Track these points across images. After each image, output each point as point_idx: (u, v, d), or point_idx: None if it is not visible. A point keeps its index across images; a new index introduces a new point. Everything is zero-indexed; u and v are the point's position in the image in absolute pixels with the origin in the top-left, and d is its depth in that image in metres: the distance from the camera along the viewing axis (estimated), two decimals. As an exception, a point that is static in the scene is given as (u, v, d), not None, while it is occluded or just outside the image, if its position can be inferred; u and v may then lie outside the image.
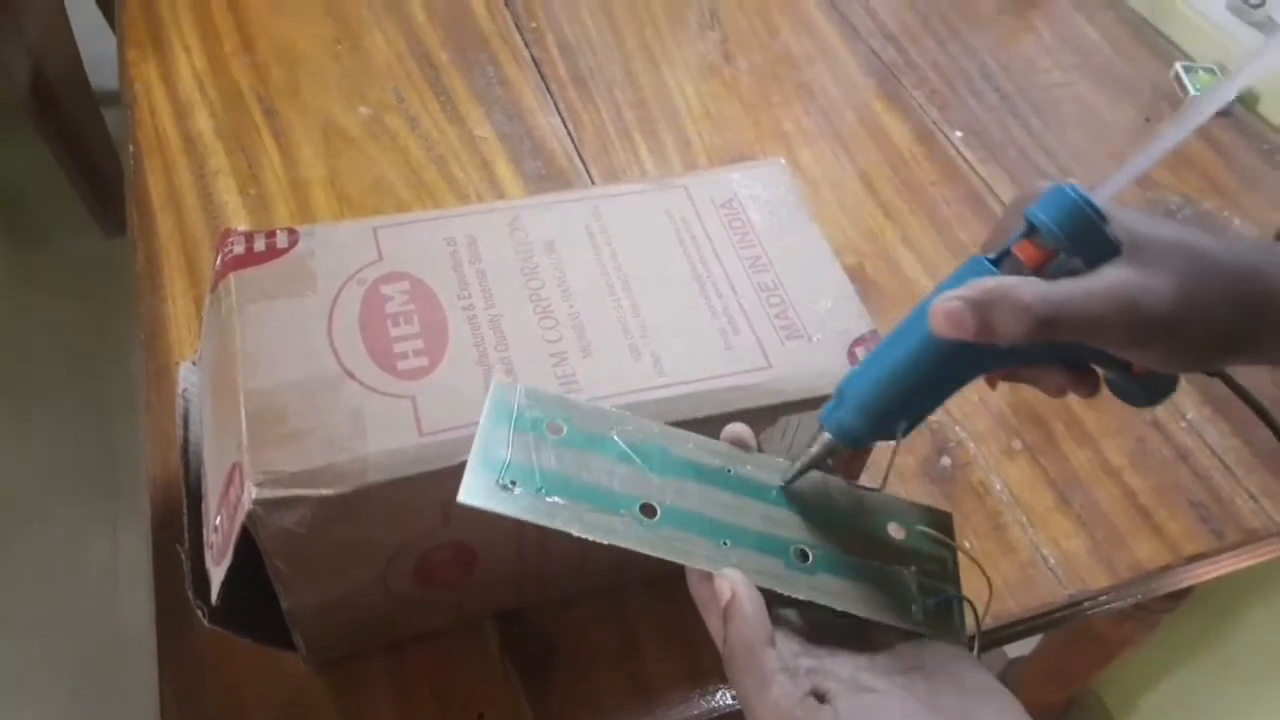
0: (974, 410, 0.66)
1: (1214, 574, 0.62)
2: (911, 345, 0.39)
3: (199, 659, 0.51)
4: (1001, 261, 0.39)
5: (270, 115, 0.78)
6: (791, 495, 0.42)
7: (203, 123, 0.77)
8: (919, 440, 0.64)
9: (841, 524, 0.42)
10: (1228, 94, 0.40)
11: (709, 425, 0.46)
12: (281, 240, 0.48)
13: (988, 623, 0.56)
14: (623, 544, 0.37)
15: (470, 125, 0.79)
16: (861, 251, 0.76)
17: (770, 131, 0.84)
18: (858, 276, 0.74)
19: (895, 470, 0.62)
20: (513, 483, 0.38)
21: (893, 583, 0.41)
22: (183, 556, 0.46)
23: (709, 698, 0.52)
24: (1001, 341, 0.36)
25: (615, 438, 0.41)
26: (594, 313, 0.48)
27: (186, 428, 0.51)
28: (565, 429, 0.40)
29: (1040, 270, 0.38)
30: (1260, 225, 0.82)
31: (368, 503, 0.42)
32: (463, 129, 0.79)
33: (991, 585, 0.42)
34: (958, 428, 0.65)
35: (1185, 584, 0.62)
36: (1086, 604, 0.59)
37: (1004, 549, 0.59)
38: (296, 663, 0.50)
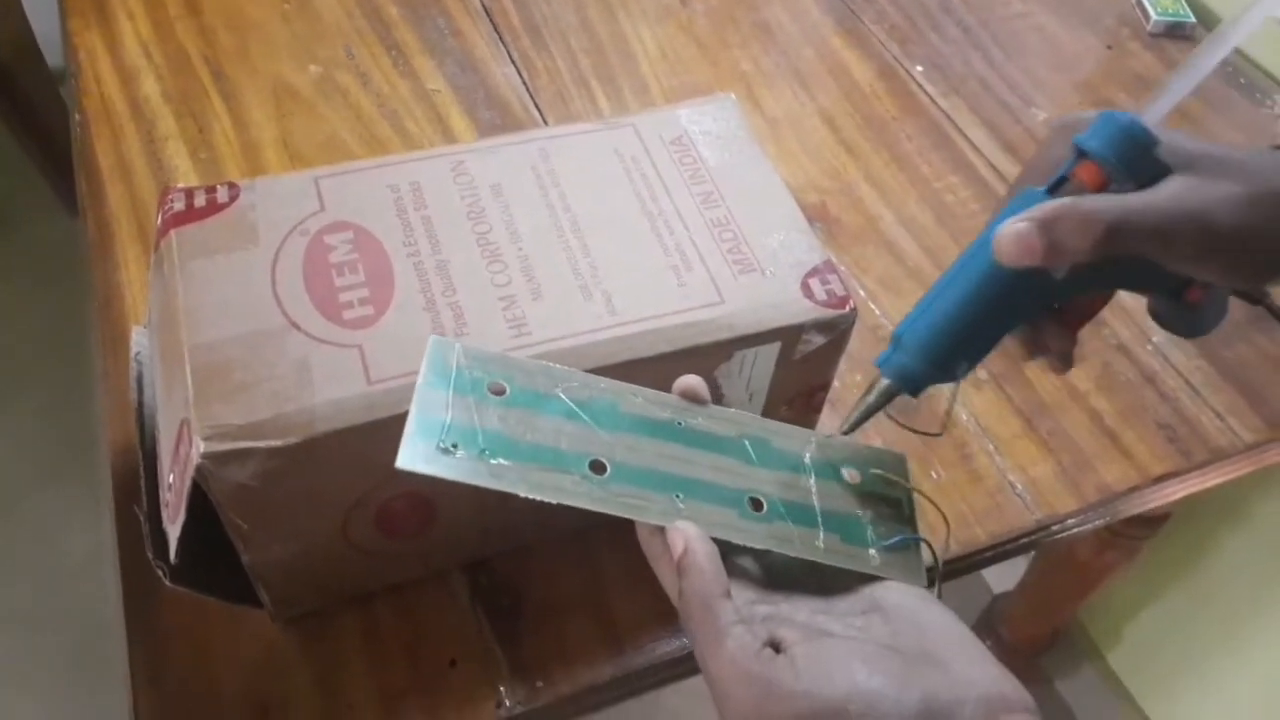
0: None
1: (1182, 494, 0.62)
2: (971, 281, 0.39)
3: (167, 624, 0.51)
4: (1054, 192, 0.39)
5: (219, 78, 0.77)
6: (743, 443, 0.41)
7: (149, 88, 0.75)
8: (885, 374, 0.64)
9: (797, 472, 0.41)
10: (1257, 16, 0.40)
11: (663, 363, 0.46)
12: (222, 195, 0.47)
13: (956, 551, 0.56)
14: (572, 503, 0.37)
15: (423, 79, 0.78)
16: (824, 189, 0.75)
17: (729, 72, 0.83)
18: (821, 214, 0.73)
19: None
20: (454, 445, 0.36)
21: (849, 527, 0.40)
22: (141, 519, 0.45)
23: (678, 637, 0.52)
24: (1070, 259, 0.36)
25: (561, 395, 0.40)
26: (543, 254, 0.47)
27: (140, 391, 0.51)
28: (508, 388, 0.39)
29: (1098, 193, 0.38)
30: (1224, 147, 0.81)
31: (319, 453, 0.41)
32: (415, 83, 0.78)
33: (949, 523, 0.42)
34: (923, 360, 0.65)
35: (1154, 504, 0.62)
36: (1055, 528, 0.59)
37: (971, 478, 0.59)
38: (265, 621, 0.50)
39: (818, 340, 0.48)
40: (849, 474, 0.42)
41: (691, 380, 0.41)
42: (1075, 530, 0.60)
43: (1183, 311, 0.42)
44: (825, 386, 0.52)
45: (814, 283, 0.48)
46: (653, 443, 0.39)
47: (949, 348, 0.40)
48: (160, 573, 0.44)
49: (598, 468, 0.38)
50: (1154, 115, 0.39)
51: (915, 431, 0.43)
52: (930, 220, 0.74)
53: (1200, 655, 1.08)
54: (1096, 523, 0.60)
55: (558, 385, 0.40)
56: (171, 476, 0.43)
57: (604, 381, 0.40)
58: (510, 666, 0.51)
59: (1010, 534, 0.58)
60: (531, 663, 0.51)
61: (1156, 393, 0.65)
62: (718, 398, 0.49)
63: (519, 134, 0.53)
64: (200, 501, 0.41)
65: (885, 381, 0.41)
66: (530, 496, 0.36)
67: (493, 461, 0.37)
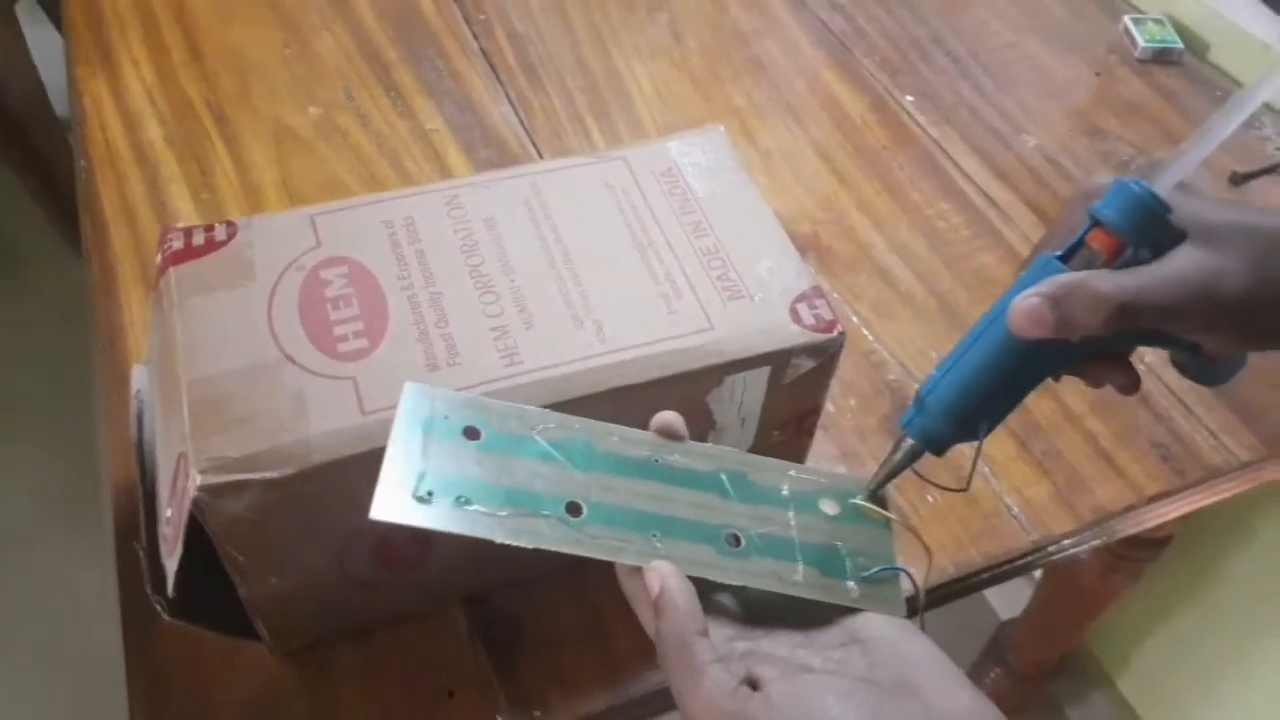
0: (932, 366, 0.66)
1: (1177, 513, 0.62)
2: (991, 345, 0.40)
3: (166, 659, 0.51)
4: (1069, 258, 0.40)
5: (221, 122, 0.78)
6: (720, 478, 0.41)
7: (153, 133, 0.77)
8: (879, 399, 0.64)
9: (775, 505, 0.41)
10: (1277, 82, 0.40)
11: (654, 389, 0.46)
12: (220, 233, 0.48)
13: (953, 573, 0.56)
14: (548, 547, 0.37)
15: (421, 119, 0.79)
16: (817, 219, 0.76)
17: (722, 107, 0.84)
18: (814, 244, 0.74)
19: (855, 429, 0.63)
20: (429, 493, 0.36)
21: (828, 559, 0.40)
22: (140, 554, 0.46)
23: (677, 664, 0.52)
24: (1081, 333, 0.37)
25: (537, 437, 0.40)
26: (535, 286, 0.48)
27: (141, 428, 0.51)
28: (484, 433, 0.39)
29: (1112, 262, 0.39)
30: (1214, 171, 0.82)
31: (314, 484, 0.42)
32: (414, 123, 0.79)
33: (930, 552, 0.42)
34: (916, 384, 0.65)
35: (1149, 524, 0.62)
36: (1051, 549, 0.59)
37: (967, 500, 0.60)
38: (264, 654, 0.51)
39: (807, 364, 0.49)
40: (827, 505, 0.42)
41: (668, 416, 0.41)
42: (1071, 550, 0.60)
43: (1203, 363, 0.43)
44: (816, 410, 0.53)
45: (802, 308, 0.49)
46: (629, 482, 0.39)
47: (972, 409, 0.41)
48: (159, 607, 0.44)
49: (574, 509, 0.38)
50: (1168, 180, 0.39)
51: (939, 487, 0.43)
52: (923, 247, 0.74)
53: (1211, 678, 1.07)
54: (1093, 543, 0.60)
55: (533, 427, 0.40)
56: (169, 510, 0.44)
57: (579, 421, 0.41)
58: (508, 697, 0.51)
59: (1006, 555, 0.58)
60: (529, 693, 0.51)
61: (1150, 413, 0.65)
62: (710, 424, 0.50)
63: (512, 169, 0.54)
64: (198, 535, 0.42)
65: (910, 442, 0.42)
66: (506, 543, 0.36)
67: (469, 508, 0.37)
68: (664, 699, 0.52)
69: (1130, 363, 0.42)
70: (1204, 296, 0.37)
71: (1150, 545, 0.87)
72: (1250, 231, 0.38)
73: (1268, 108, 0.88)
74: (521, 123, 0.80)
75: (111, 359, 0.63)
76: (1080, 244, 0.40)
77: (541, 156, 0.78)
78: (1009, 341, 0.39)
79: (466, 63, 0.85)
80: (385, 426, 0.42)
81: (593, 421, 0.41)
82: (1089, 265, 0.39)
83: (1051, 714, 1.23)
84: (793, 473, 0.43)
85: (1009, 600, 1.26)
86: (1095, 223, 0.39)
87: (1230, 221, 0.38)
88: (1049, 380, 0.42)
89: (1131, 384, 0.42)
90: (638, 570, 0.38)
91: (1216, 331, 0.38)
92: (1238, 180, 0.81)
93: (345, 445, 0.42)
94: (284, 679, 0.51)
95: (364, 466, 0.42)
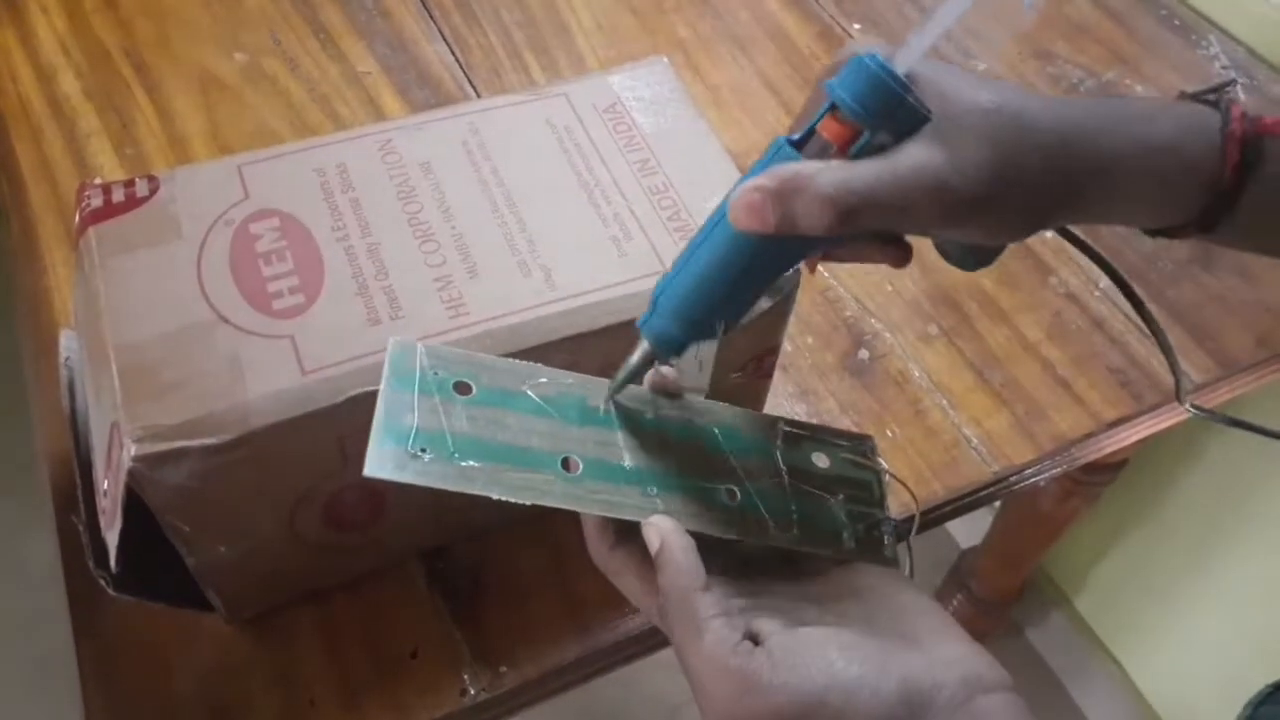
0: (888, 300, 0.65)
1: (1136, 437, 0.63)
2: (719, 243, 0.36)
3: (117, 633, 0.50)
4: (805, 142, 0.36)
5: (141, 70, 0.74)
6: (714, 432, 0.40)
7: (69, 85, 0.73)
8: (836, 336, 0.63)
9: (768, 459, 0.41)
10: None
11: (608, 336, 0.45)
12: (141, 189, 0.46)
13: (914, 507, 0.56)
14: (547, 503, 0.36)
15: (352, 61, 0.76)
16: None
17: (666, 39, 0.81)
18: (765, 179, 0.72)
19: (813, 367, 0.62)
20: (422, 450, 0.35)
21: (822, 512, 0.40)
22: (80, 528, 0.44)
23: (641, 615, 0.51)
24: (806, 233, 0.34)
25: (529, 392, 0.39)
26: (478, 232, 0.46)
27: (73, 396, 0.49)
28: (474, 388, 0.38)
29: (847, 148, 0.35)
30: (1162, 89, 0.82)
31: (256, 449, 0.40)
32: (345, 66, 0.76)
33: (917, 500, 0.42)
34: (873, 319, 0.64)
35: (1109, 449, 0.62)
36: (1013, 479, 0.59)
37: (927, 434, 0.59)
38: (219, 622, 0.49)
39: (764, 304, 0.47)
40: (819, 458, 0.42)
41: (665, 372, 0.40)
42: (1033, 480, 0.60)
43: (958, 250, 0.42)
44: (775, 350, 0.51)
45: (756, 245, 0.47)
46: (623, 436, 0.39)
47: (703, 310, 0.37)
48: (103, 583, 0.43)
49: (569, 465, 0.37)
50: (909, 55, 0.35)
51: (782, 420, 0.42)
52: (875, 178, 0.73)
53: (1161, 592, 1.09)
54: (1053, 471, 0.61)
55: (524, 382, 0.39)
56: (106, 482, 0.42)
57: (571, 376, 0.39)
58: (472, 653, 0.50)
59: (968, 487, 0.58)
60: (495, 647, 0.50)
61: (1106, 338, 0.65)
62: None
63: (447, 109, 0.51)
64: (140, 506, 0.40)
65: (644, 344, 0.39)
66: (504, 499, 0.35)
67: (463, 464, 0.35)
68: (635, 645, 0.52)
69: (905, 241, 0.39)
70: (936, 195, 0.34)
71: (1107, 469, 0.88)
72: (995, 115, 0.34)
73: (1213, 25, 0.88)
74: (458, 61, 0.77)
75: (37, 325, 0.60)
76: (815, 130, 0.35)
77: (480, 96, 0.75)
78: (737, 236, 0.35)
79: (397, 0, 0.82)
80: (327, 386, 0.41)
81: (585, 376, 0.40)
82: (824, 151, 0.35)
83: (1011, 636, 1.26)
84: (784, 426, 0.42)
85: (969, 528, 1.28)
86: (833, 105, 0.35)
87: (976, 102, 0.34)
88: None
89: (903, 256, 0.40)
90: (618, 546, 0.37)
91: (957, 227, 0.36)
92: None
93: (286, 407, 0.40)
94: (242, 646, 0.49)
95: (307, 428, 0.40)
